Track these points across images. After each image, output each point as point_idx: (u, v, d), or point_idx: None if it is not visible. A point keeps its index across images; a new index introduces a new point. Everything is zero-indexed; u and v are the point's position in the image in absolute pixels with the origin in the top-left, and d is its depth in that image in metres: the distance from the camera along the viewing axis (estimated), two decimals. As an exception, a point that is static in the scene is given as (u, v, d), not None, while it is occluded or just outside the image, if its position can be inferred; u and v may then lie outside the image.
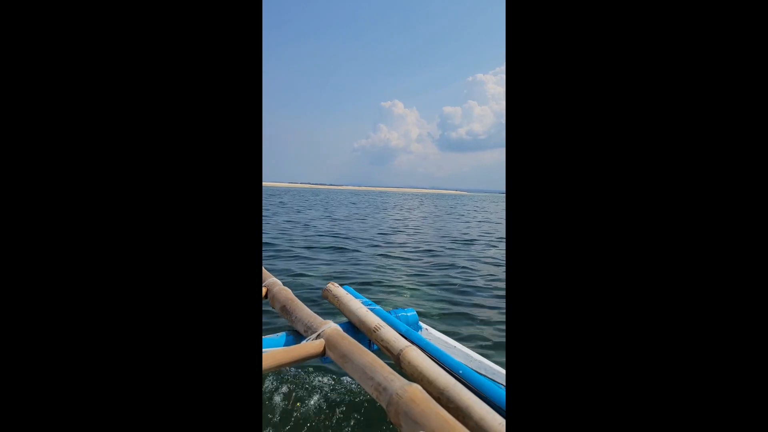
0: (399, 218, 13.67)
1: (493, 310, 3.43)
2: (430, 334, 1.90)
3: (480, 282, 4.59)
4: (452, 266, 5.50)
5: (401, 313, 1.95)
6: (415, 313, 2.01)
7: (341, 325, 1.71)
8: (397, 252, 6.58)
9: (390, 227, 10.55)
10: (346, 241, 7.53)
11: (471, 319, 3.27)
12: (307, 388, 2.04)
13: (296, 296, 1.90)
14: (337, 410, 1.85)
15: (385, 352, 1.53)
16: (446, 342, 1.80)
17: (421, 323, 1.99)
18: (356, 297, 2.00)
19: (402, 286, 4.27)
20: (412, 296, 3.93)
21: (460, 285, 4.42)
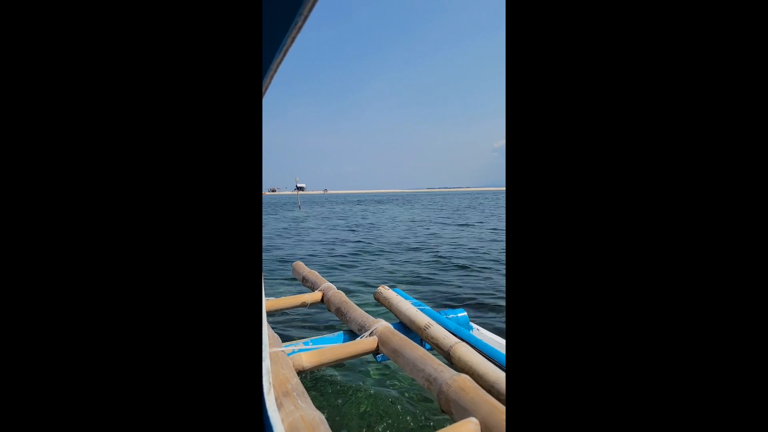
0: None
1: None
2: (481, 333, 1.90)
3: None
4: None
5: (451, 314, 1.98)
6: (465, 314, 2.03)
7: (392, 324, 1.80)
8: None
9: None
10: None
11: None
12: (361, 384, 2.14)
13: (349, 299, 2.03)
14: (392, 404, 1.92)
15: (435, 348, 1.58)
16: (497, 341, 1.80)
17: (472, 323, 2.01)
18: (406, 298, 2.07)
19: None
20: None
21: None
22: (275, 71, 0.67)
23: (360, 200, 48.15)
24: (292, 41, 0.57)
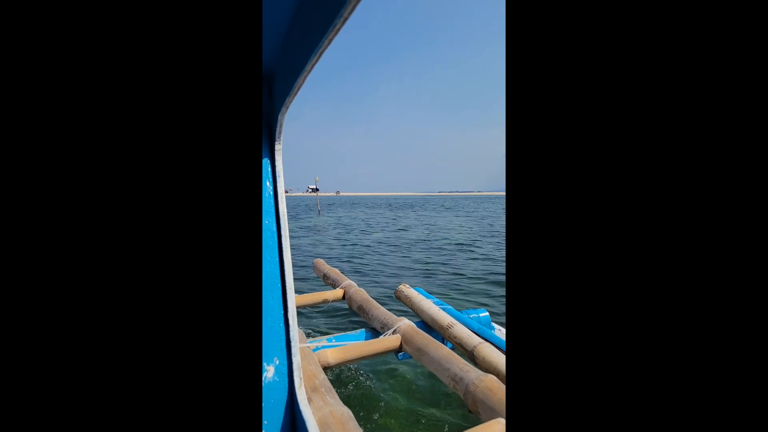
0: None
1: None
2: (504, 333, 1.88)
3: None
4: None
5: (473, 314, 1.97)
6: (487, 314, 2.02)
7: (414, 323, 1.80)
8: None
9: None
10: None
11: None
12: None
13: (371, 296, 2.04)
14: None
15: (458, 348, 1.58)
16: (521, 342, 1.78)
17: (493, 324, 1.99)
18: (427, 297, 2.07)
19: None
20: None
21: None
22: (309, 72, 0.68)
23: (388, 204, 41.16)
24: (329, 42, 0.57)
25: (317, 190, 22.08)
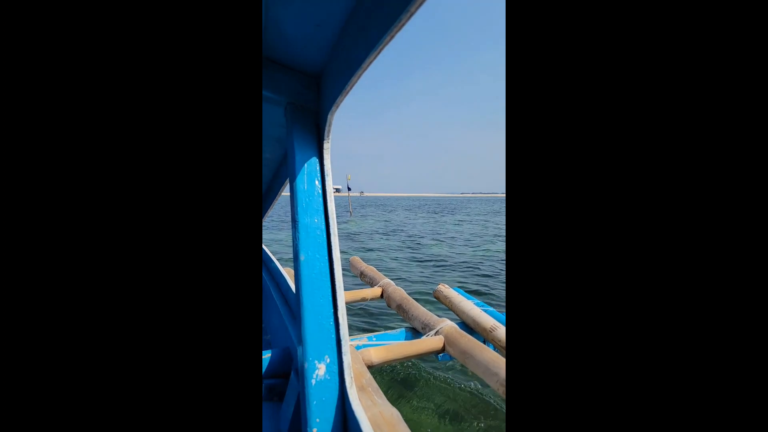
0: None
1: None
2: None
3: None
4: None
5: (515, 316, 1.91)
6: None
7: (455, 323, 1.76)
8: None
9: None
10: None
11: None
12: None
13: (410, 296, 2.02)
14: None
15: (502, 352, 1.53)
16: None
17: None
18: (468, 298, 2.03)
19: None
20: None
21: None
22: (365, 70, 0.66)
23: (422, 205, 36.81)
24: (391, 39, 0.55)
25: (349, 189, 19.96)
